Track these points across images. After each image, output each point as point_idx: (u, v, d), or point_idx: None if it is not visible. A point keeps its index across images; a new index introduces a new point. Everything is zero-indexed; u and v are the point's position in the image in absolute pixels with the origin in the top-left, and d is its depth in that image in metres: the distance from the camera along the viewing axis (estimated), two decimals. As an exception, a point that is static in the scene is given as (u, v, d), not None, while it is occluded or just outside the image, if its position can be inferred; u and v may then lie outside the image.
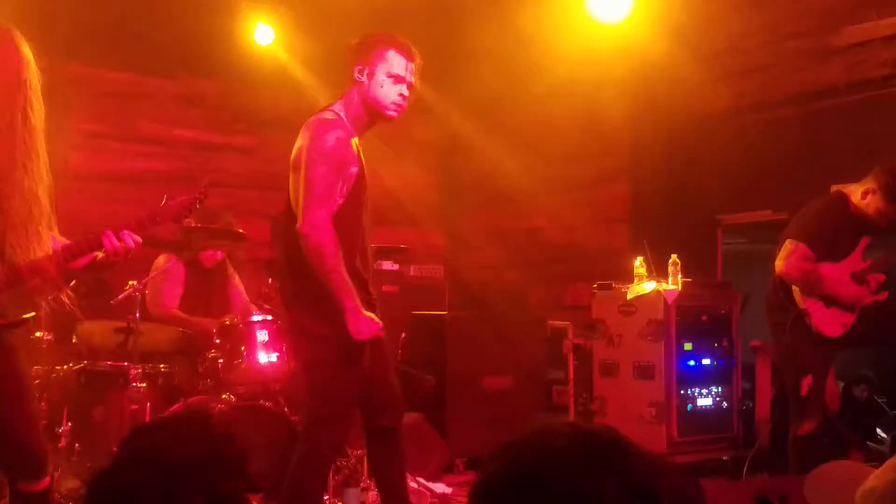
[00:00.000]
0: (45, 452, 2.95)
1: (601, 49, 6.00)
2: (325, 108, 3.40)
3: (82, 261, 2.90)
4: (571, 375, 5.85)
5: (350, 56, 3.41)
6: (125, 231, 2.84)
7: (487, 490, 1.23)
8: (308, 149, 3.24)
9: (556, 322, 6.11)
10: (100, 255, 2.92)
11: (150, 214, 2.97)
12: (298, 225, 3.21)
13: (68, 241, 2.91)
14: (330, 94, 6.80)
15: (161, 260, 5.07)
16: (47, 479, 2.92)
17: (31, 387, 2.99)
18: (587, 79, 6.26)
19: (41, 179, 2.88)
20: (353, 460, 4.89)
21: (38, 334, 4.37)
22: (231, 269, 5.40)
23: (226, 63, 6.51)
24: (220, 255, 5.20)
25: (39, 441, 2.94)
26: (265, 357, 4.59)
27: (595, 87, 6.30)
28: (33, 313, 2.98)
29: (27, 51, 2.93)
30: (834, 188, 4.30)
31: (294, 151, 3.33)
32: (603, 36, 5.89)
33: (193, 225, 4.93)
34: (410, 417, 4.05)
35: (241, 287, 5.41)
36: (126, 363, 4.27)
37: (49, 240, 2.88)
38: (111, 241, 2.82)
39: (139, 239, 2.87)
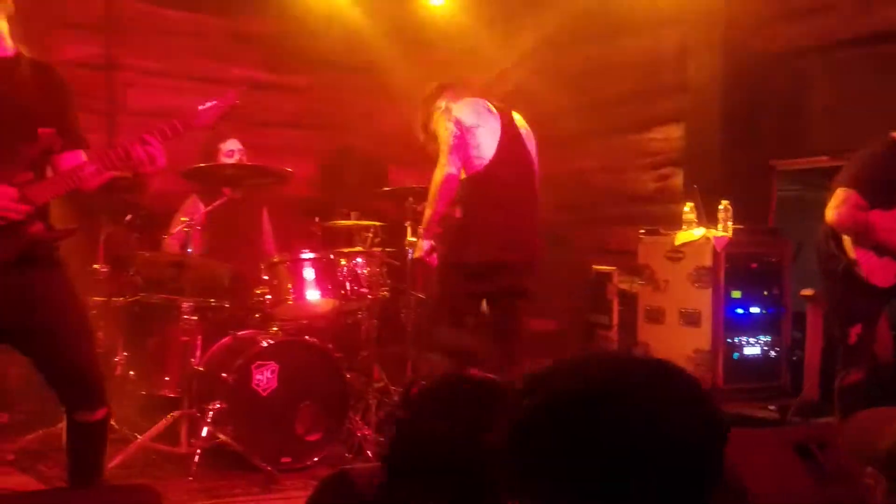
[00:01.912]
0: (101, 381, 3.01)
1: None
2: None
3: (104, 174, 2.93)
4: (616, 320, 5.84)
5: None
6: (150, 136, 2.88)
7: (559, 409, 1.07)
8: None
9: (601, 266, 6.08)
10: (126, 174, 2.99)
11: (183, 120, 3.02)
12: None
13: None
14: (381, 35, 6.88)
15: (188, 201, 5.14)
16: (104, 409, 2.98)
17: (85, 307, 3.05)
18: (643, 17, 6.12)
19: None
20: (395, 397, 4.98)
21: (95, 266, 4.49)
22: (265, 212, 5.43)
23: (280, 3, 6.51)
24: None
25: (96, 368, 3.01)
26: (312, 294, 4.66)
27: (652, 26, 6.15)
28: (76, 227, 3.09)
29: None
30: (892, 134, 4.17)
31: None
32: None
33: (238, 161, 5.00)
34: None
35: (269, 230, 5.45)
36: (179, 296, 4.39)
37: None
38: (136, 149, 2.87)
39: (161, 149, 2.90)
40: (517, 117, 4.21)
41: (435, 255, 4.18)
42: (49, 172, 2.95)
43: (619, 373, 1.10)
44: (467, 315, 4.06)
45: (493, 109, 4.09)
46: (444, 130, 3.96)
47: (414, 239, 5.02)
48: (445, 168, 3.94)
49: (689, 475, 1.06)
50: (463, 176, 4.02)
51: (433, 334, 4.12)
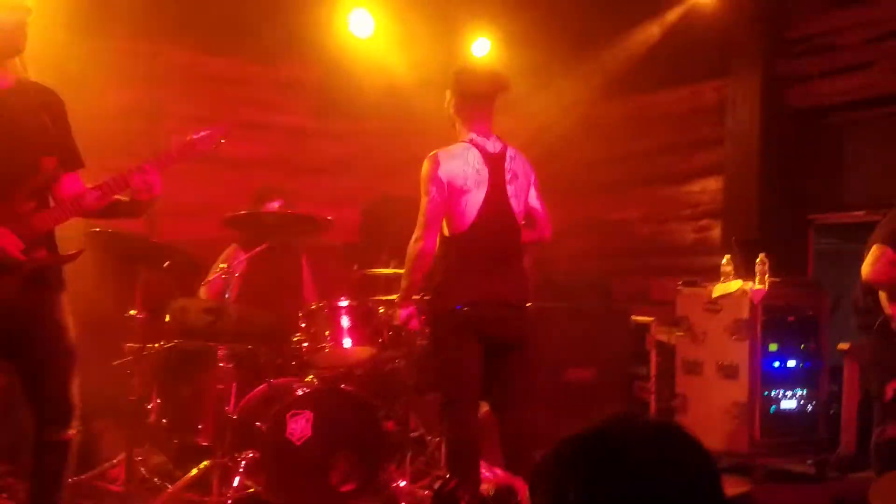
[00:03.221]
0: (77, 404, 3.13)
1: (701, 39, 5.89)
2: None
3: (104, 201, 3.11)
4: (654, 371, 5.79)
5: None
6: (148, 165, 3.08)
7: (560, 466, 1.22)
8: None
9: (639, 317, 6.05)
10: (124, 198, 3.16)
11: (176, 148, 3.20)
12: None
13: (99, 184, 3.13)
14: (421, 86, 6.97)
15: (229, 249, 5.22)
16: (73, 431, 3.11)
17: (69, 333, 3.14)
18: (685, 70, 6.14)
19: None
20: (430, 448, 4.98)
21: (131, 312, 4.46)
22: (303, 259, 5.47)
23: (324, 51, 6.62)
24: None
25: (75, 391, 3.12)
26: (349, 342, 4.65)
27: (692, 80, 6.18)
28: (81, 250, 3.22)
29: None
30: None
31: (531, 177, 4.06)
32: (701, 25, 5.77)
33: (277, 210, 5.08)
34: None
35: (310, 277, 5.49)
36: (215, 343, 4.41)
37: None
38: (134, 177, 3.06)
39: (158, 177, 3.09)
40: (511, 153, 3.96)
41: (415, 319, 4.14)
42: (51, 198, 3.13)
43: (620, 436, 1.20)
44: (468, 374, 3.87)
45: (482, 164, 3.86)
46: (426, 195, 3.84)
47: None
48: (420, 242, 3.84)
49: None
50: (447, 233, 3.91)
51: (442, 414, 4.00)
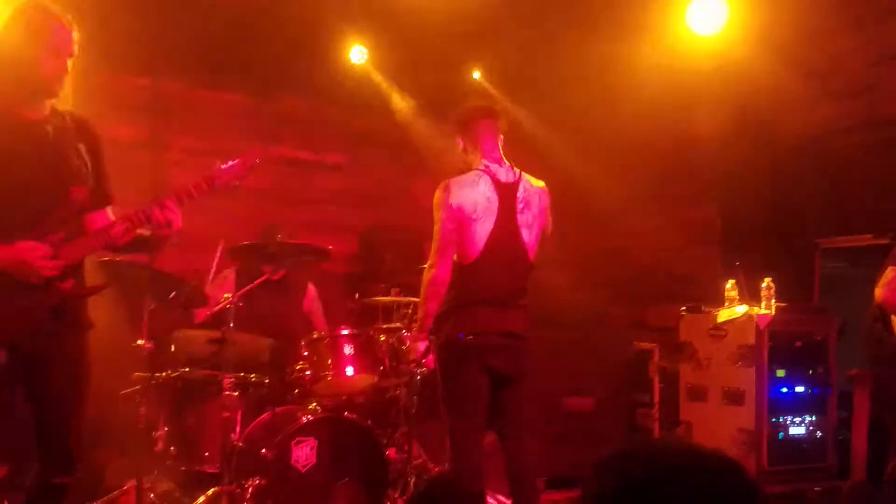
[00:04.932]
0: (74, 455, 3.02)
1: (696, 66, 5.92)
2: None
3: (127, 236, 3.06)
4: (657, 398, 5.77)
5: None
6: (169, 201, 3.02)
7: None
8: None
9: (641, 343, 6.03)
10: (145, 232, 3.10)
11: (206, 177, 3.12)
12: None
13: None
14: (418, 112, 7.01)
15: (226, 272, 5.21)
16: (68, 478, 3.01)
17: (83, 383, 3.05)
18: (681, 97, 6.18)
19: None
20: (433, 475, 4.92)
21: (139, 342, 4.47)
22: (310, 290, 5.43)
23: (319, 82, 6.66)
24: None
25: (71, 440, 3.01)
26: (351, 370, 4.65)
27: (688, 106, 6.21)
28: (105, 283, 3.16)
29: None
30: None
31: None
32: (698, 51, 5.81)
33: (279, 240, 5.06)
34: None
35: (319, 307, 5.45)
36: (220, 372, 4.40)
37: None
38: (156, 212, 3.00)
39: (178, 213, 3.04)
40: (525, 185, 3.91)
41: (431, 355, 3.99)
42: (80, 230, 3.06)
43: (665, 464, 1.23)
44: (473, 403, 3.80)
45: (493, 192, 3.81)
46: (438, 222, 3.81)
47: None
48: (434, 269, 3.79)
49: None
50: (456, 262, 3.85)
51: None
